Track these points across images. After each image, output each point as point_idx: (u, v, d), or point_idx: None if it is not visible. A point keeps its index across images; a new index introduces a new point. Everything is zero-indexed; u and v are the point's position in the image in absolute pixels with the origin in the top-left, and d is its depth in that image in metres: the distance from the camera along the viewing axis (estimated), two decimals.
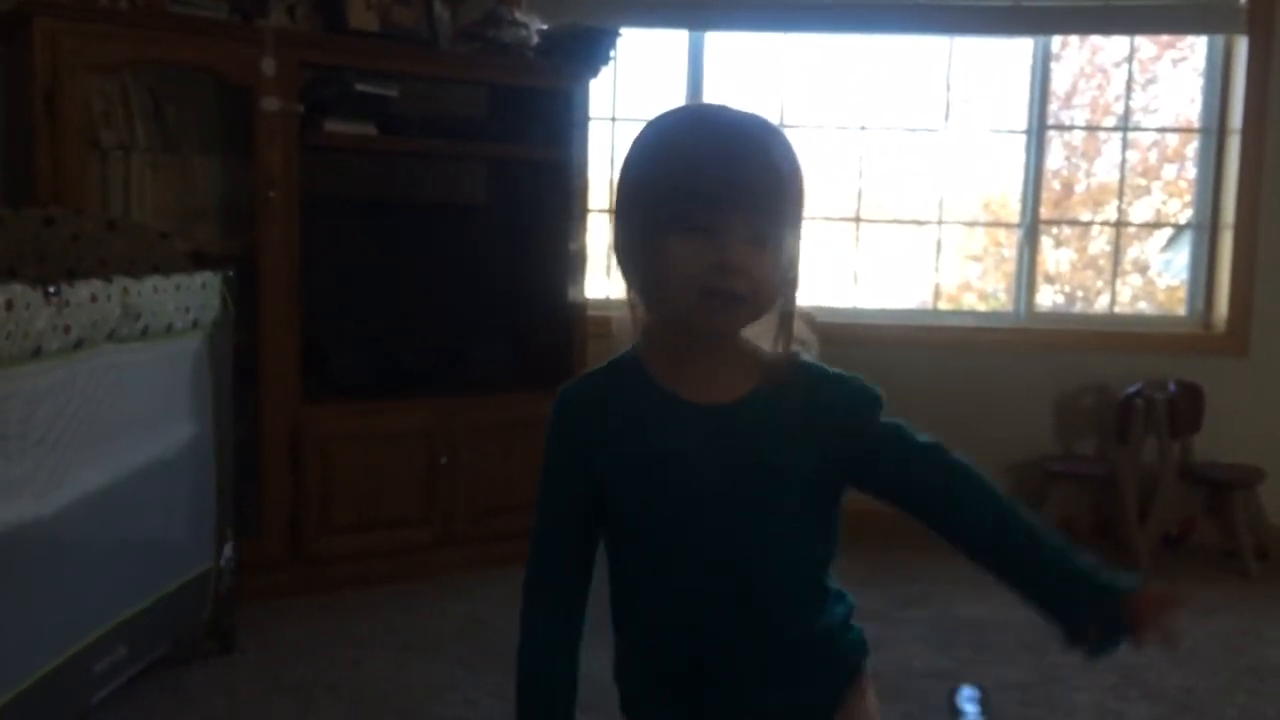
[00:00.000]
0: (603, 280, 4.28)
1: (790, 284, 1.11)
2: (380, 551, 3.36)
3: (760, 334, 1.13)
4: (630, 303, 1.16)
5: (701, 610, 1.13)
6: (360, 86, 3.25)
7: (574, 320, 3.70)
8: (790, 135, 1.11)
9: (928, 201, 4.36)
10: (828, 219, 4.35)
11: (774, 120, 1.09)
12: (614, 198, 1.12)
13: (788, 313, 1.12)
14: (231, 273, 2.70)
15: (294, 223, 3.15)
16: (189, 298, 2.49)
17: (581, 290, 3.72)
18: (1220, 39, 4.16)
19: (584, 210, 3.71)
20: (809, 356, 1.15)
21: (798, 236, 1.10)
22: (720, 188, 1.04)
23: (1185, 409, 3.93)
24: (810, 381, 1.13)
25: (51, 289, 1.97)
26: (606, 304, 4.20)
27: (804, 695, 1.17)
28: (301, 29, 3.21)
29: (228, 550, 2.75)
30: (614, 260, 1.14)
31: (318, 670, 2.73)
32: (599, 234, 4.14)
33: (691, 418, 1.11)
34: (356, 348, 3.53)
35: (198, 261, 2.69)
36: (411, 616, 3.12)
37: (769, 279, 1.07)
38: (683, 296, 1.06)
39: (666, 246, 1.05)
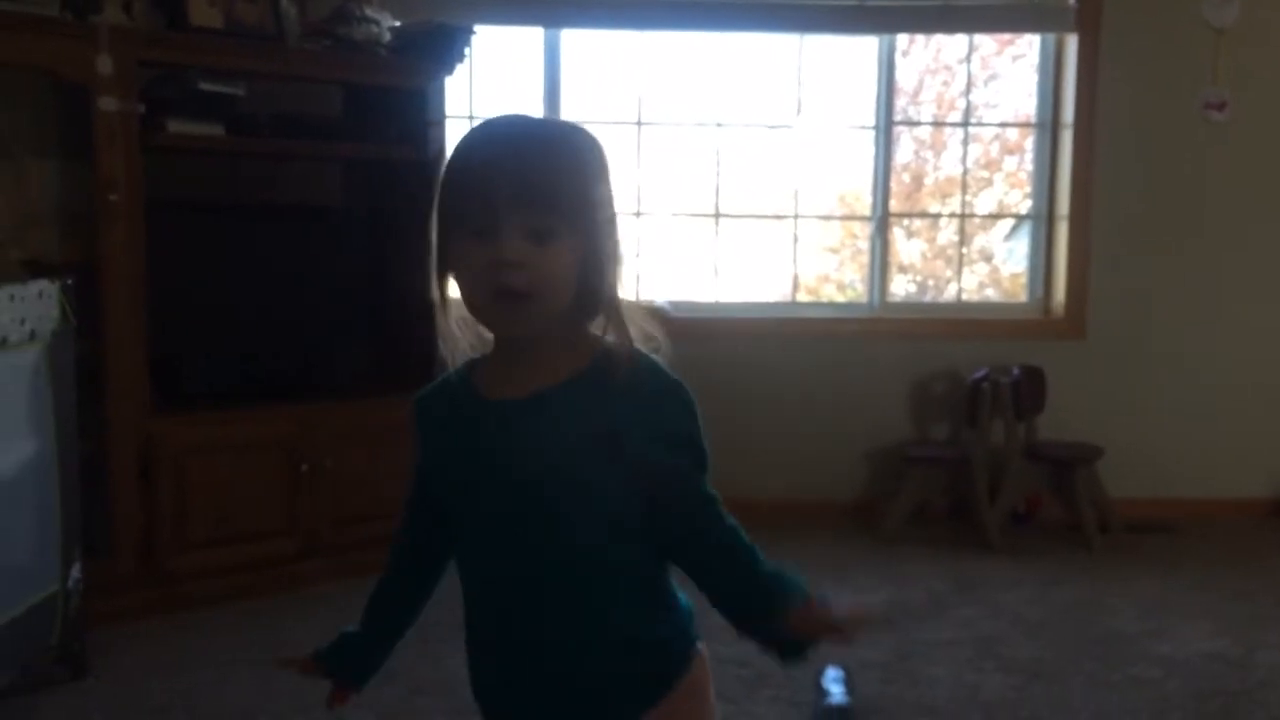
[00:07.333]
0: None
1: (602, 280, 1.12)
2: (241, 566, 3.26)
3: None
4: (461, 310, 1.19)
5: (506, 598, 1.17)
6: (205, 85, 3.15)
7: (435, 323, 3.64)
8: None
9: (784, 196, 4.46)
10: (688, 215, 4.41)
11: (578, 123, 1.15)
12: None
13: (612, 307, 1.14)
14: (70, 281, 2.58)
15: (138, 227, 3.03)
16: (24, 308, 2.38)
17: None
18: (1053, 37, 4.36)
19: None
20: (649, 351, 1.15)
21: (601, 233, 1.12)
22: (493, 186, 1.07)
23: (1028, 391, 4.11)
24: (628, 374, 1.12)
25: None
26: None
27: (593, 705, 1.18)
28: (139, 26, 3.09)
29: (75, 571, 2.63)
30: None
31: (176, 692, 2.63)
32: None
33: (484, 413, 1.16)
34: (210, 356, 3.41)
35: (34, 270, 2.57)
36: (276, 631, 3.03)
37: (555, 275, 1.09)
38: (477, 300, 1.12)
39: (459, 251, 1.11)
